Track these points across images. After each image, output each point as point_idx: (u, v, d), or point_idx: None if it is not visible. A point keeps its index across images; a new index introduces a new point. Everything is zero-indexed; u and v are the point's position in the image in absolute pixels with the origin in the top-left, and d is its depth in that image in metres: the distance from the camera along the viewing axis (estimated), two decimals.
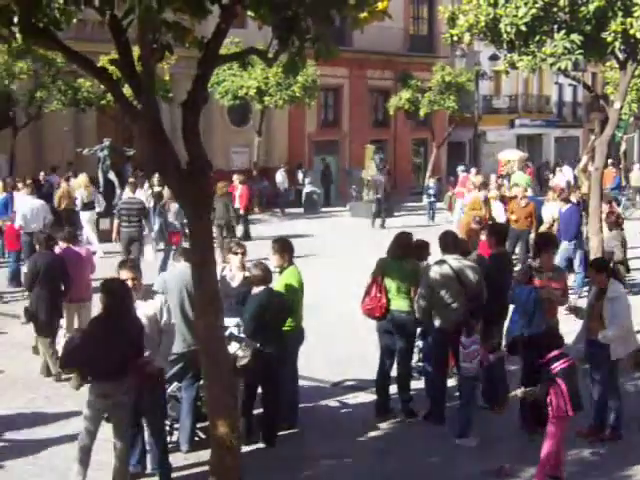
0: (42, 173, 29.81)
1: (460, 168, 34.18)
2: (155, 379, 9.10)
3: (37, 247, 13.72)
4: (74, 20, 7.58)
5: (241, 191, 26.64)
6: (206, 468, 8.73)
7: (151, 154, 7.60)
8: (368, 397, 11.98)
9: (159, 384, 9.30)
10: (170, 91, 29.33)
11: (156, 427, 9.25)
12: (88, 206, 24.48)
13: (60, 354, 9.41)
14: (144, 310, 9.13)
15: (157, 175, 23.42)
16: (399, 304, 11.16)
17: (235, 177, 27.22)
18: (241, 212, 26.19)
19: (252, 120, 38.06)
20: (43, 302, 12.87)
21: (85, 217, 23.83)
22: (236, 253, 11.12)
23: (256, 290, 10.34)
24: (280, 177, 37.06)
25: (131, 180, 24.95)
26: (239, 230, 25.44)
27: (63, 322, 13.31)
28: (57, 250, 13.44)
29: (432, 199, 33.25)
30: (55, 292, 13.03)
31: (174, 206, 19.22)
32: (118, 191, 26.90)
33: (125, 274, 9.34)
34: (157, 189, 25.52)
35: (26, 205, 19.76)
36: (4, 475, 9.47)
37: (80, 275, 13.47)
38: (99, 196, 25.99)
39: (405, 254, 11.35)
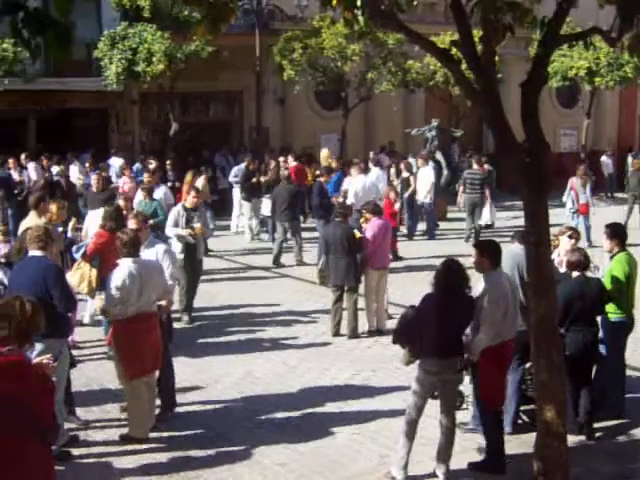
0: (371, 153, 30.62)
1: None
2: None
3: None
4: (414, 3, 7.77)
5: None
6: (529, 451, 8.67)
7: (494, 135, 7.65)
8: None
9: None
10: (500, 72, 29.18)
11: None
12: None
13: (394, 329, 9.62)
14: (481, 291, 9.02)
15: None
16: None
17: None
18: None
19: (581, 101, 37.18)
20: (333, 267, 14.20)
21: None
22: (570, 237, 10.88)
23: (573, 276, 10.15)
24: (605, 161, 35.91)
25: (475, 157, 25.73)
26: None
27: None
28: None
29: None
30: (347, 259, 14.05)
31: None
32: (445, 172, 27.22)
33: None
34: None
35: (359, 183, 20.50)
36: (331, 442, 9.86)
37: (382, 244, 14.35)
38: None
39: None
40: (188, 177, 21.86)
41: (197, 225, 14.70)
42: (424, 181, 24.16)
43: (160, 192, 18.45)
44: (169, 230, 14.83)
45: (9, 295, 7.79)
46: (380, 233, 14.25)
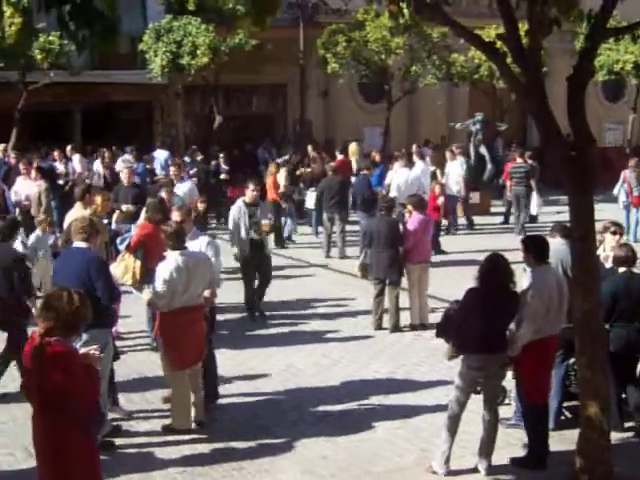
0: (414, 146, 30.52)
1: None
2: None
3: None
4: None
5: None
6: (571, 447, 8.61)
7: (538, 128, 7.61)
8: None
9: None
10: (545, 65, 28.91)
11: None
12: None
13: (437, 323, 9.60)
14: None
15: None
16: None
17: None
18: None
19: (627, 96, 36.82)
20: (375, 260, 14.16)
21: None
22: (614, 233, 10.80)
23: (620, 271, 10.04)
24: None
25: (519, 151, 25.88)
26: None
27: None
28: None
29: None
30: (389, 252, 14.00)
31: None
32: (489, 165, 27.11)
33: None
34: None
35: (401, 177, 20.44)
36: (373, 435, 9.83)
37: (423, 237, 14.33)
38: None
39: None
40: (272, 169, 21.92)
41: (265, 222, 14.67)
42: (453, 174, 24.09)
43: (185, 187, 18.49)
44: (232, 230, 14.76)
45: (54, 286, 7.88)
46: (421, 227, 14.21)
